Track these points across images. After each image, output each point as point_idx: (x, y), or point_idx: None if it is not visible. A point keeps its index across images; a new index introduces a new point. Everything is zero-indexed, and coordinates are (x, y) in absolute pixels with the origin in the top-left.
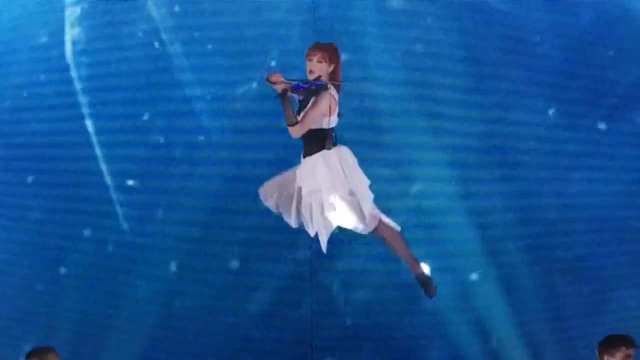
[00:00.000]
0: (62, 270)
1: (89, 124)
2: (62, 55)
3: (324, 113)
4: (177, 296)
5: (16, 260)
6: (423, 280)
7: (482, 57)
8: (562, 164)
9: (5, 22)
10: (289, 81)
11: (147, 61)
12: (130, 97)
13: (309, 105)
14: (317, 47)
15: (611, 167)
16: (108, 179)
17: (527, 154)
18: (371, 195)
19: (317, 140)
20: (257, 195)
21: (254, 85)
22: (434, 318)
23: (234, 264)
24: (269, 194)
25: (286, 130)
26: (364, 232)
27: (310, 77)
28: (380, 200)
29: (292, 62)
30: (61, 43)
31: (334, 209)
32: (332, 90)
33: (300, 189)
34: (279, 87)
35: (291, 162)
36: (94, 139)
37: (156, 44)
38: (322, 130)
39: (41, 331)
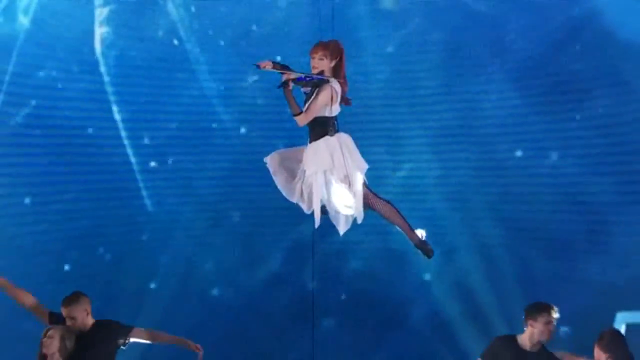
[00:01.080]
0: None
1: (115, 110)
2: (92, 50)
3: (326, 103)
4: (196, 263)
5: (50, 237)
6: (421, 246)
7: (462, 52)
8: (532, 146)
9: (46, 21)
10: (291, 72)
11: (166, 56)
12: (151, 88)
13: (313, 96)
14: (319, 45)
15: (575, 149)
16: (133, 159)
17: (501, 136)
18: (364, 180)
19: (321, 127)
20: (265, 175)
21: (260, 78)
22: (419, 283)
23: (245, 237)
24: (273, 160)
25: (290, 117)
26: (352, 213)
27: (314, 72)
28: (374, 176)
29: (295, 56)
30: (91, 40)
31: (332, 188)
32: (334, 83)
33: (304, 171)
34: (285, 76)
35: (295, 145)
36: (119, 124)
37: (175, 41)
38: (325, 118)
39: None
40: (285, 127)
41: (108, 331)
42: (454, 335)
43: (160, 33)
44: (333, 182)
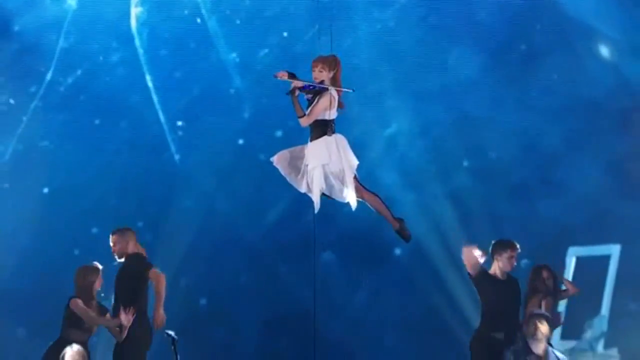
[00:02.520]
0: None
1: (147, 78)
2: (128, 27)
3: (326, 108)
4: (214, 209)
5: (96, 182)
6: (400, 232)
7: (441, 28)
8: (499, 106)
9: (89, 3)
10: (299, 81)
11: (191, 32)
12: (178, 59)
13: (314, 102)
14: (319, 59)
15: (534, 108)
16: (162, 118)
17: (473, 99)
18: (355, 174)
19: (321, 129)
20: (271, 126)
21: (270, 50)
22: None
23: (253, 187)
24: (281, 161)
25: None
26: (344, 200)
27: (315, 82)
28: (366, 134)
29: (299, 33)
30: (127, 19)
31: (329, 179)
32: (332, 91)
33: (306, 165)
34: (293, 84)
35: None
36: (151, 89)
37: (198, 19)
38: (324, 120)
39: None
40: (288, 83)
41: (134, 263)
42: (433, 265)
43: (186, 12)
44: (330, 175)
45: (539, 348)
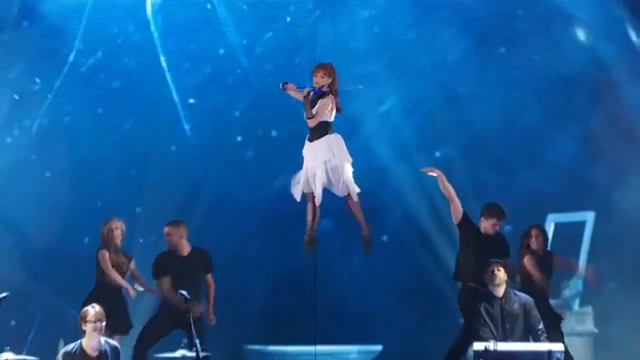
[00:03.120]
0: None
1: (162, 59)
2: (144, 13)
3: (329, 109)
4: (223, 178)
5: (115, 150)
6: (366, 240)
7: (432, 14)
8: (484, 83)
9: None
10: (302, 89)
11: (202, 17)
12: (190, 41)
13: (318, 105)
14: (320, 66)
15: (516, 86)
16: (175, 97)
17: (459, 78)
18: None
19: (323, 129)
20: (275, 105)
21: (274, 34)
22: (398, 190)
23: (260, 159)
24: (299, 191)
25: (293, 60)
26: (338, 194)
27: (316, 87)
28: (363, 110)
29: (300, 19)
30: (144, 5)
31: (329, 174)
32: (329, 96)
33: (306, 166)
34: (304, 91)
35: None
36: (165, 70)
37: (208, 6)
38: (326, 122)
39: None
40: (292, 64)
41: (202, 258)
42: (423, 230)
43: None
44: (329, 170)
45: (498, 292)
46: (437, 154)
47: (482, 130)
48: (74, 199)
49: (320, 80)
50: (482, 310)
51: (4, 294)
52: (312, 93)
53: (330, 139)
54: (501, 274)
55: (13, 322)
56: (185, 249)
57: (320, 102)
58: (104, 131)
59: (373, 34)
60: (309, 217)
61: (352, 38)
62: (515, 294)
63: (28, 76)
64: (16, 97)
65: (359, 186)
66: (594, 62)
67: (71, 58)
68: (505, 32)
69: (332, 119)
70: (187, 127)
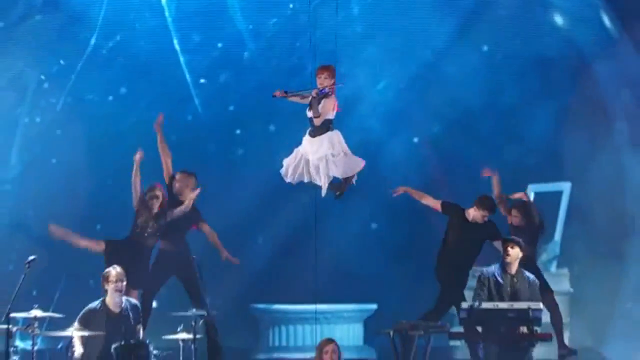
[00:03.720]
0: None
1: (175, 42)
2: (159, 0)
3: (332, 108)
4: (231, 151)
5: (134, 124)
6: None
7: (421, 3)
8: (461, 64)
9: None
10: (301, 92)
11: (212, 4)
12: (201, 26)
13: (322, 104)
14: (322, 68)
15: (495, 66)
16: (187, 77)
17: (449, 62)
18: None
19: (325, 126)
20: (279, 84)
21: (278, 20)
22: (393, 159)
23: (264, 134)
24: (287, 173)
25: (295, 44)
26: (340, 177)
27: (320, 87)
28: (360, 91)
29: (303, 6)
30: None
31: (331, 166)
32: (332, 96)
33: (307, 160)
34: (313, 92)
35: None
36: (178, 52)
37: None
38: (328, 119)
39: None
40: (294, 47)
41: (191, 213)
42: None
43: None
44: (330, 160)
45: (511, 269)
46: (427, 129)
47: (467, 107)
48: (96, 170)
49: (324, 81)
50: (490, 280)
51: (32, 257)
52: (318, 94)
53: (332, 135)
54: (514, 252)
55: (40, 283)
56: (187, 198)
57: (324, 101)
58: (122, 109)
59: (369, 20)
60: None
61: (350, 24)
62: (525, 273)
63: (53, 58)
64: (42, 77)
65: (361, 151)
66: (570, 45)
67: (92, 42)
68: (488, 17)
69: (333, 116)
70: (198, 104)
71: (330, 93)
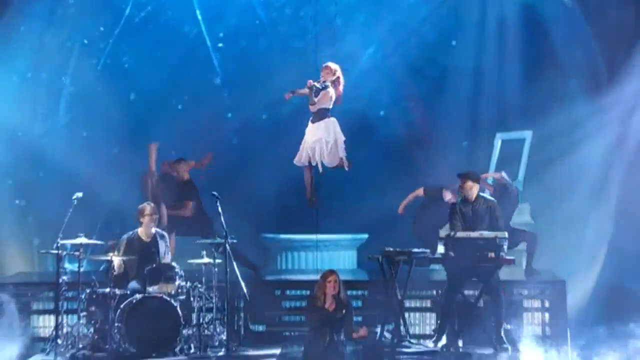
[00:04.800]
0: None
1: (197, 13)
2: None
3: (327, 99)
4: (245, 102)
5: (159, 89)
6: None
7: None
8: (447, 34)
9: None
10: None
11: None
12: (221, 9)
13: (320, 95)
14: (326, 65)
15: (465, 29)
16: (209, 42)
17: (430, 29)
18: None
19: (323, 114)
20: (285, 46)
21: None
22: (383, 110)
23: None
24: (299, 159)
25: (299, 13)
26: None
27: (321, 80)
28: (353, 55)
29: None
30: None
31: (324, 152)
32: (330, 89)
33: (306, 142)
34: (308, 83)
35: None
36: (200, 21)
37: None
38: (326, 108)
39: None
40: (298, 16)
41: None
42: (403, 139)
43: None
44: (325, 145)
45: (471, 197)
46: (413, 87)
47: (446, 69)
48: (129, 120)
49: (326, 75)
50: (457, 209)
51: (78, 194)
52: (314, 86)
53: (328, 121)
54: (467, 184)
55: (85, 216)
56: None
57: (322, 93)
58: (152, 70)
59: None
60: (307, 182)
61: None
62: (483, 197)
63: (94, 25)
64: (85, 41)
65: (355, 106)
66: (531, 13)
67: (127, 11)
68: (457, 8)
69: (330, 106)
70: (216, 65)
71: (328, 86)
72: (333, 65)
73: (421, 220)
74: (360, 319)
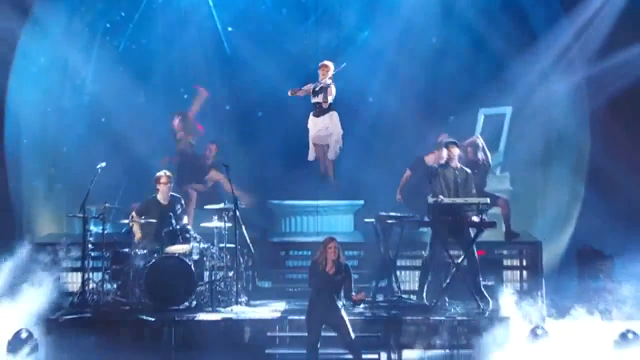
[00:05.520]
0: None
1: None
2: None
3: (333, 95)
4: (255, 80)
5: (176, 65)
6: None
7: None
8: (432, 19)
9: None
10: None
11: None
12: None
13: (325, 93)
14: (325, 65)
15: (450, 14)
16: (219, 26)
17: (420, 14)
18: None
19: (328, 108)
20: (288, 28)
21: None
22: (376, 87)
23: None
24: (312, 155)
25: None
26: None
27: (322, 80)
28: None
29: None
30: None
31: (331, 139)
32: (332, 85)
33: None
34: (318, 86)
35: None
36: (212, 7)
37: None
38: (330, 103)
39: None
40: (300, 2)
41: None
42: (395, 112)
43: None
44: (326, 134)
45: (454, 164)
46: (406, 66)
47: (435, 49)
48: (152, 94)
49: (325, 73)
50: (440, 175)
51: (102, 163)
52: (321, 87)
53: (331, 114)
54: (455, 151)
55: (109, 182)
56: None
57: (328, 90)
58: (169, 50)
59: None
60: (320, 159)
61: None
62: (463, 167)
63: (116, 10)
64: (108, 25)
65: (352, 85)
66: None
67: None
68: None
69: (331, 100)
70: (227, 48)
71: (330, 84)
72: (329, 63)
73: (406, 187)
74: (356, 276)
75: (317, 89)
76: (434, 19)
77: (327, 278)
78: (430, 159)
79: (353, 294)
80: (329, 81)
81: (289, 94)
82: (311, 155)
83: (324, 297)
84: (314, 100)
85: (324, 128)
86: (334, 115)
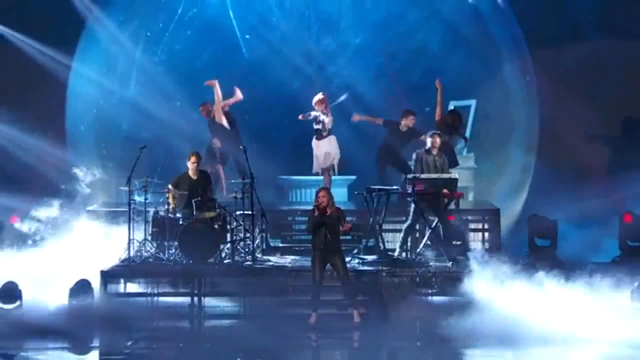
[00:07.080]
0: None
1: (230, 13)
2: None
3: (330, 122)
4: (268, 80)
5: (203, 67)
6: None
7: None
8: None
9: None
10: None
11: None
12: (247, 9)
13: (324, 122)
14: (321, 100)
15: (431, 17)
16: (238, 34)
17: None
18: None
19: (327, 132)
20: (299, 29)
21: None
22: (365, 87)
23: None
24: (317, 168)
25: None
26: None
27: (320, 112)
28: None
29: None
30: None
31: (333, 160)
32: (330, 114)
33: (317, 155)
34: (320, 116)
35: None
36: (232, 17)
37: None
38: (329, 128)
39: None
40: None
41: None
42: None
43: None
44: (332, 152)
45: (435, 151)
46: (404, 48)
47: (413, 51)
48: (187, 90)
49: (321, 106)
50: (422, 158)
51: (144, 145)
52: (322, 119)
53: (330, 138)
54: (438, 140)
55: (149, 160)
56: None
57: (325, 119)
58: (198, 53)
59: None
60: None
61: None
62: (442, 154)
63: (154, 22)
64: (148, 34)
65: (347, 81)
66: (476, 11)
67: (179, 11)
68: None
69: (330, 127)
70: (245, 51)
71: (328, 113)
72: (324, 96)
73: (383, 159)
74: (349, 237)
75: (319, 118)
76: (414, 28)
77: (320, 219)
78: (403, 123)
79: (342, 225)
80: (326, 118)
81: (300, 118)
82: (315, 170)
83: (320, 235)
84: (315, 127)
85: (325, 154)
86: (332, 139)
